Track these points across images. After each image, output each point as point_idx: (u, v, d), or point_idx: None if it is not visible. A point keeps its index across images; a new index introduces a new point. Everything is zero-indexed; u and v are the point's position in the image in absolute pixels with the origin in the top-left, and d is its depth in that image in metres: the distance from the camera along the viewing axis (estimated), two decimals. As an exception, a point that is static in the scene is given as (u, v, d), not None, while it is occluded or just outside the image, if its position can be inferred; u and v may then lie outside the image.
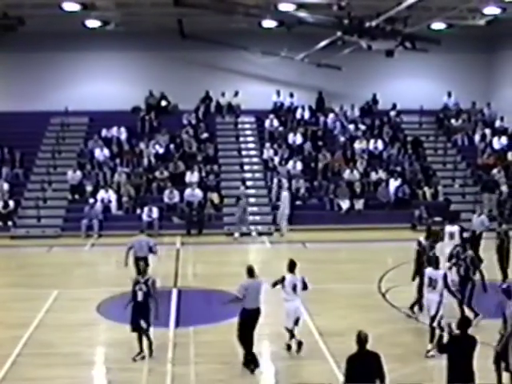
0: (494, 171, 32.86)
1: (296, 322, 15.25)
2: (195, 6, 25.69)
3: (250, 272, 14.33)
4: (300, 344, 15.12)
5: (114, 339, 15.49)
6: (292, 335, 15.25)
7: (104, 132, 35.02)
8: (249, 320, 14.21)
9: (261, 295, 14.27)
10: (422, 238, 18.40)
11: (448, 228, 21.82)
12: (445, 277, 15.25)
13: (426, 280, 15.36)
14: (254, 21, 30.95)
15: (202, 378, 13.89)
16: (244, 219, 29.26)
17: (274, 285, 15.15)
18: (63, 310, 18.56)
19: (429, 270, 15.44)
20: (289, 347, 15.25)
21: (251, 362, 14.19)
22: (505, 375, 12.56)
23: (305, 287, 15.17)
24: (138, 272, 14.78)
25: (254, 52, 34.83)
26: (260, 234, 29.53)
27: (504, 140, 35.06)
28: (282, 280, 14.97)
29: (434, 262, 15.56)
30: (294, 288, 14.98)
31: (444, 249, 20.06)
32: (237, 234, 28.84)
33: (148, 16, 32.10)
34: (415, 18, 26.19)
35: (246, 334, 14.20)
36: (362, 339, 10.74)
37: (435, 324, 14.90)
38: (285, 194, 30.42)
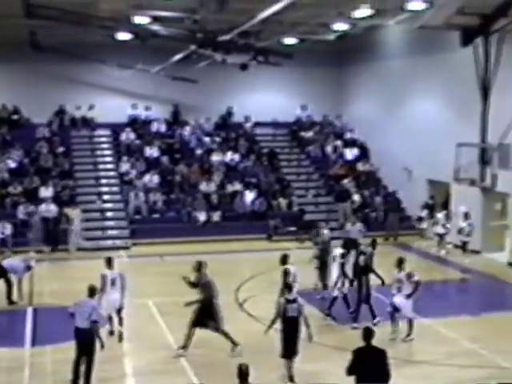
0: (345, 181, 33.95)
1: (118, 312, 17.00)
2: (47, 17, 25.26)
3: (89, 291, 14.45)
4: (121, 334, 16.93)
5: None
6: (115, 321, 17.12)
7: (-45, 147, 33.77)
8: (76, 339, 14.01)
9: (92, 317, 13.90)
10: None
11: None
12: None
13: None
14: (108, 33, 30.74)
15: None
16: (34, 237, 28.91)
17: (102, 289, 16.39)
18: None
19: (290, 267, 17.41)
20: (111, 333, 16.98)
21: None
22: None
23: (123, 283, 17.03)
24: None
25: (110, 65, 34.66)
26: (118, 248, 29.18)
27: (355, 151, 36.38)
28: (103, 277, 16.67)
29: None
30: (113, 282, 16.78)
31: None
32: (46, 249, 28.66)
33: (-2, 27, 31.22)
34: (268, 32, 26.84)
35: (77, 355, 13.89)
36: (243, 372, 10.32)
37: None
38: (76, 212, 29.58)
